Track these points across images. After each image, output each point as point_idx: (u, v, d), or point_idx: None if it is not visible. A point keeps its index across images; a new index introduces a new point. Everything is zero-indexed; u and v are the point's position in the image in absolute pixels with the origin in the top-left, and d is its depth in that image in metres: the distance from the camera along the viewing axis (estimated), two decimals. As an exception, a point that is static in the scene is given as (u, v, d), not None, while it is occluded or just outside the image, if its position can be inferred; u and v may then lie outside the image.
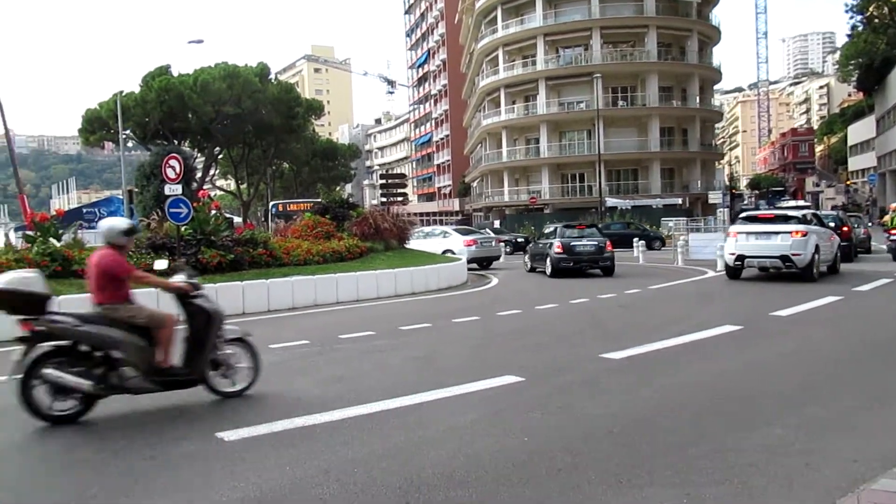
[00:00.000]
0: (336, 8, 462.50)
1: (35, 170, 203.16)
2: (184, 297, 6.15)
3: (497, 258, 25.75)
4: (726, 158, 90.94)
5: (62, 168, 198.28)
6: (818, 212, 21.89)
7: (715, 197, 46.68)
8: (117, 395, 5.57)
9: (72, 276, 11.70)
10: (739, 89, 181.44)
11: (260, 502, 3.78)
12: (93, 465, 4.42)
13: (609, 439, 4.68)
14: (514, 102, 58.13)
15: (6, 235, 16.68)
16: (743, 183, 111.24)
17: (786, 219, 15.81)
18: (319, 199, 24.94)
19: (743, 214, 18.05)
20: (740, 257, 15.53)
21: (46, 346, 5.41)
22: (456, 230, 26.96)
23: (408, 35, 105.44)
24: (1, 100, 37.46)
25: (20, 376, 5.25)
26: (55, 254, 11.64)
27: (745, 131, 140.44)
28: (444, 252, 22.15)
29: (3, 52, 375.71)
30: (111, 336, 5.53)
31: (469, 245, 23.83)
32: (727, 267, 16.34)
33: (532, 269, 21.61)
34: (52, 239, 12.14)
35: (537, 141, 56.51)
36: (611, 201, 49.23)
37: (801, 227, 14.98)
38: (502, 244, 29.46)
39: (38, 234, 12.29)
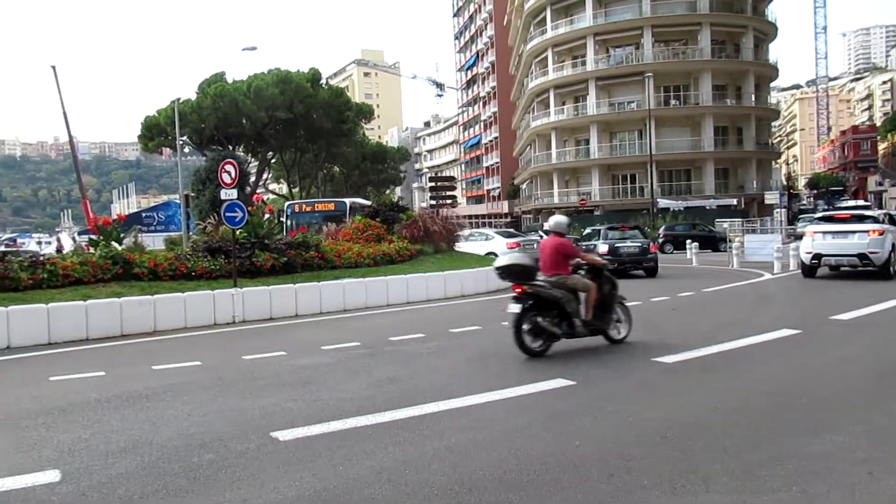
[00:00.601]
0: (386, 12, 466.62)
1: (97, 175, 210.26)
2: (597, 270, 8.40)
3: (538, 259, 25.53)
4: (783, 157, 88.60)
5: (122, 173, 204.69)
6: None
7: (771, 197, 45.51)
8: (567, 339, 7.94)
9: (133, 278, 12.11)
10: (797, 86, 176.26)
11: (314, 501, 3.84)
12: (147, 468, 4.55)
13: (663, 444, 4.61)
14: (563, 103, 57.73)
15: (72, 239, 17.33)
16: (801, 182, 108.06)
17: (862, 218, 16.25)
18: (342, 199, 24.04)
19: (819, 214, 18.46)
20: (817, 256, 15.86)
21: (516, 306, 7.75)
22: (498, 233, 26.99)
23: (456, 38, 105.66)
24: (66, 108, 38.87)
25: (514, 323, 7.68)
26: (117, 257, 12.05)
27: (803, 129, 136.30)
28: (487, 254, 22.13)
29: (68, 63, 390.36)
30: (566, 296, 7.88)
31: (512, 248, 23.82)
32: (803, 266, 16.64)
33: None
34: (114, 242, 12.56)
35: (587, 142, 55.98)
36: (663, 202, 48.42)
37: (877, 226, 15.32)
38: None
39: (102, 237, 12.73)
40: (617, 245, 19.74)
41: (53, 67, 38.17)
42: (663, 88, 52.88)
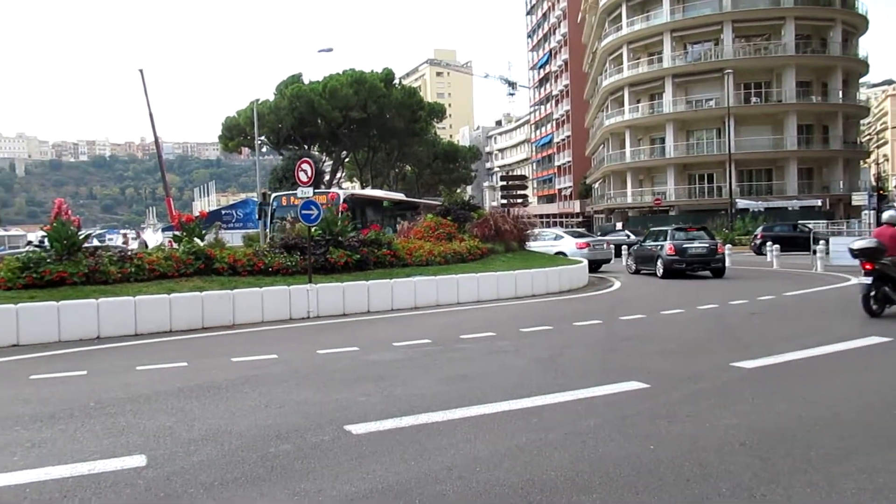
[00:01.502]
0: (459, 12, 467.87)
1: (180, 174, 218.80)
2: None
3: (608, 261, 25.53)
4: (873, 157, 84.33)
5: (203, 172, 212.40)
6: None
7: (859, 198, 43.34)
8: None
9: (213, 273, 12.54)
10: (889, 82, 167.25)
11: (386, 494, 3.89)
12: (227, 456, 4.70)
13: (742, 451, 4.47)
14: (638, 101, 56.62)
15: (163, 234, 18.17)
16: (892, 183, 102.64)
17: None
18: (335, 191, 22.23)
19: None
20: None
21: (867, 279, 10.42)
22: (567, 232, 26.77)
23: (529, 36, 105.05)
24: (152, 110, 40.57)
25: (864, 291, 10.46)
26: (199, 252, 12.50)
27: (895, 127, 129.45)
28: (556, 254, 21.96)
29: (154, 66, 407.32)
30: None
31: (581, 248, 23.70)
32: None
33: (636, 272, 22.06)
34: (196, 239, 13.03)
35: (663, 140, 54.73)
36: (742, 203, 46.87)
37: None
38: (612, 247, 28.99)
39: (185, 234, 13.23)
40: (685, 246, 19.78)
41: (141, 71, 39.92)
42: (743, 85, 51.17)
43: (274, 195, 23.05)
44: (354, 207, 21.47)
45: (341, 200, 20.87)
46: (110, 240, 41.21)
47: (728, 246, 27.84)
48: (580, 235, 26.64)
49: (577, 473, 4.13)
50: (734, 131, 46.87)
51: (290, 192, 23.66)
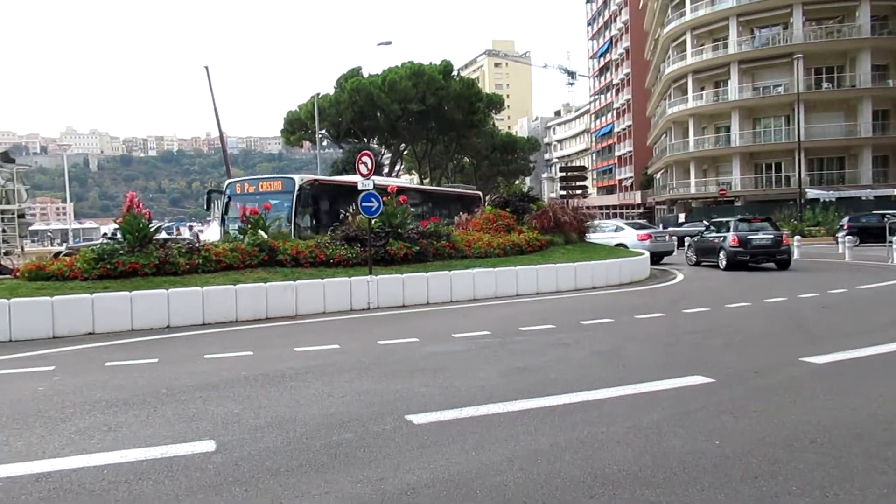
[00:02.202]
0: (518, 1, 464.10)
1: (243, 168, 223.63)
2: None
3: (670, 252, 25.21)
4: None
5: (266, 166, 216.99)
6: None
7: (940, 187, 41.28)
8: None
9: (277, 264, 12.81)
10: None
11: (447, 485, 3.91)
12: (292, 443, 4.81)
13: (813, 449, 4.33)
14: (702, 89, 55.15)
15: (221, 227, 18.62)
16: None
17: None
18: (290, 176, 19.14)
19: None
20: None
21: None
22: (628, 224, 26.44)
23: (589, 24, 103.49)
24: (217, 106, 41.60)
25: None
26: (263, 244, 12.79)
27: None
28: (616, 246, 21.65)
29: (219, 64, 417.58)
30: None
31: (643, 239, 23.37)
32: None
33: (697, 263, 21.78)
34: (260, 231, 13.33)
35: (728, 129, 53.19)
36: (812, 192, 45.19)
37: None
38: (675, 239, 28.77)
39: (249, 226, 13.55)
40: (749, 237, 19.49)
41: (206, 68, 40.98)
42: (814, 70, 49.23)
43: (228, 181, 20.16)
44: (316, 197, 18.98)
45: (296, 187, 17.89)
46: (179, 233, 42.60)
47: (797, 237, 27.01)
48: (641, 227, 26.34)
49: (640, 468, 4.07)
50: (804, 118, 45.20)
51: (248, 178, 21.16)
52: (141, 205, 12.11)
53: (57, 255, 20.41)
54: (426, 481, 3.96)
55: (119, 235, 12.66)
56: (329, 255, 13.34)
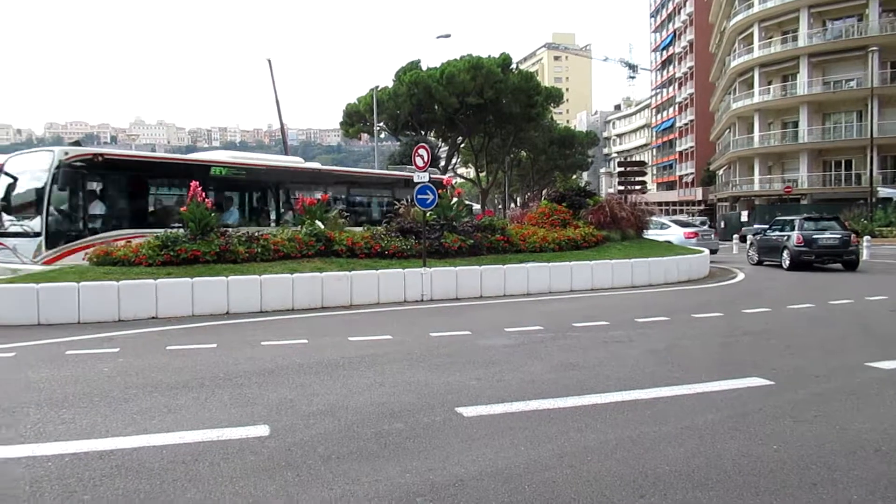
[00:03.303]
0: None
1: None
2: None
3: (715, 251, 24.73)
4: None
5: (325, 158, 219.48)
6: None
7: None
8: None
9: (333, 255, 13.00)
10: None
11: (495, 478, 3.91)
12: (343, 431, 4.88)
13: (877, 458, 4.17)
14: (769, 83, 53.44)
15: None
16: None
17: None
18: (49, 149, 14.38)
19: None
20: None
21: None
22: (674, 221, 26.11)
23: (652, 16, 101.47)
24: (279, 98, 42.35)
25: None
26: (320, 235, 13.00)
27: None
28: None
29: (280, 57, 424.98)
30: None
31: (689, 237, 23.01)
32: None
33: (759, 262, 21.39)
34: (317, 221, 13.54)
35: (795, 124, 51.43)
36: (884, 191, 43.34)
37: None
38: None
39: (307, 216, 13.78)
40: (815, 236, 19.04)
41: (269, 61, 41.75)
42: (890, 64, 47.12)
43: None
44: (98, 179, 14.27)
45: (52, 164, 13.08)
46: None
47: (867, 238, 26.02)
48: (687, 225, 26.28)
49: (693, 469, 3.99)
50: (878, 114, 43.38)
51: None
52: (203, 194, 12.42)
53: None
54: (474, 474, 3.96)
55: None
56: (384, 246, 13.46)
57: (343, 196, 19.95)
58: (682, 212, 68.54)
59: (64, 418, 5.12)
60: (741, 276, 17.65)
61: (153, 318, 10.57)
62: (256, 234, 12.93)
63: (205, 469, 4.05)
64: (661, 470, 3.99)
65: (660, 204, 72.36)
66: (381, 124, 49.75)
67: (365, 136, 62.26)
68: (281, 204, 18.33)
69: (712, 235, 26.07)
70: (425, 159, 13.61)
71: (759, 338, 8.53)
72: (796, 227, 19.47)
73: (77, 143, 23.23)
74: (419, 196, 13.29)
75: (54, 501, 3.61)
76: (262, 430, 4.76)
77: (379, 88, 47.75)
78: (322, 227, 13.36)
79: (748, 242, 23.58)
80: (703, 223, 38.67)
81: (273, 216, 17.98)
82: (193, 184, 12.41)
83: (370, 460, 4.20)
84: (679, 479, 3.86)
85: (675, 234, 23.40)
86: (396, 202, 19.12)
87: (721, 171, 68.60)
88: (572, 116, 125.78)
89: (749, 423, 4.88)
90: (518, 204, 70.10)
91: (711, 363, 7.03)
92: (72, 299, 10.27)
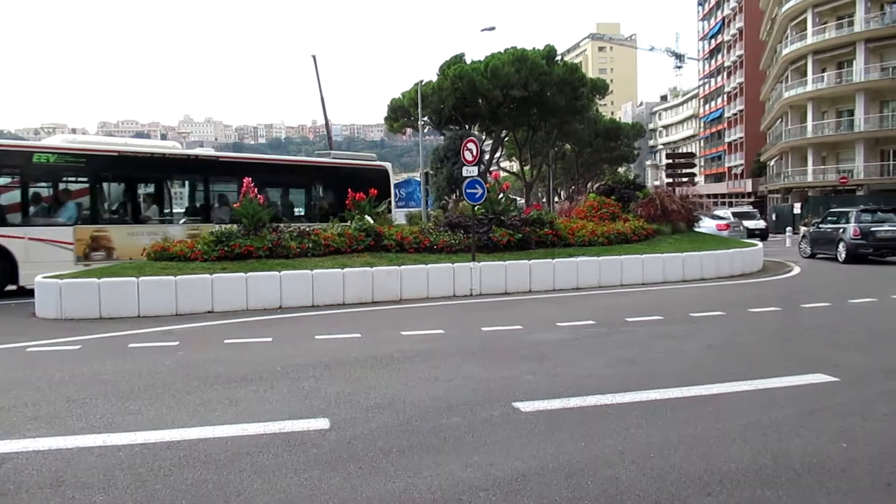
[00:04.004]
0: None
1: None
2: None
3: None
4: None
5: (368, 153, 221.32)
6: None
7: None
8: None
9: (382, 249, 13.08)
10: None
11: (557, 473, 3.89)
12: (402, 424, 4.91)
13: (954, 458, 4.03)
14: (823, 70, 51.84)
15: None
16: None
17: None
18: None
19: None
20: None
21: None
22: (705, 214, 25.92)
23: (700, 4, 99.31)
24: (323, 94, 42.77)
25: None
26: (369, 229, 13.09)
27: None
28: None
29: (324, 53, 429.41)
30: None
31: (721, 229, 22.66)
32: None
33: (811, 255, 21.12)
34: (366, 216, 13.64)
35: (851, 113, 49.80)
36: (946, 181, 41.75)
37: None
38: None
39: (356, 211, 13.89)
40: (873, 229, 18.60)
41: (314, 57, 42.18)
42: (952, 48, 45.29)
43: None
44: None
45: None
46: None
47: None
48: (718, 217, 26.16)
49: (760, 467, 3.91)
50: (939, 101, 41.77)
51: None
52: (256, 189, 12.62)
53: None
54: (536, 469, 3.95)
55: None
56: (433, 240, 13.50)
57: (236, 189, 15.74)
58: (731, 204, 67.00)
59: (131, 409, 5.27)
60: (796, 269, 17.20)
61: (209, 311, 10.80)
62: (308, 229, 13.08)
63: (269, 461, 4.12)
64: (726, 468, 3.92)
65: (708, 196, 70.90)
66: (425, 119, 49.81)
67: (409, 130, 62.51)
68: (145, 197, 15.96)
69: (740, 227, 26.12)
70: (474, 153, 13.59)
71: (820, 333, 8.31)
72: (853, 220, 19.11)
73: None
74: (468, 190, 13.28)
75: (127, 490, 3.72)
76: (322, 423, 4.82)
77: (423, 83, 47.81)
78: (371, 221, 13.46)
79: (801, 235, 23.12)
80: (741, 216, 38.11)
81: (136, 212, 15.53)
82: (246, 180, 12.60)
83: (430, 454, 4.22)
84: (746, 476, 3.79)
85: (707, 226, 23.22)
86: (324, 198, 17.95)
87: (772, 162, 66.91)
88: (617, 108, 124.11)
89: (815, 420, 4.76)
90: (562, 197, 69.56)
91: (772, 359, 6.87)
92: (132, 294, 10.55)
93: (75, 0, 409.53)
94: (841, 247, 19.16)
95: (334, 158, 19.50)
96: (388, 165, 19.87)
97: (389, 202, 17.31)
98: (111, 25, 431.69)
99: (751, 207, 33.36)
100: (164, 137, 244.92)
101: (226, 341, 8.27)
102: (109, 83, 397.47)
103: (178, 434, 4.65)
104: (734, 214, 28.85)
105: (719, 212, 30.48)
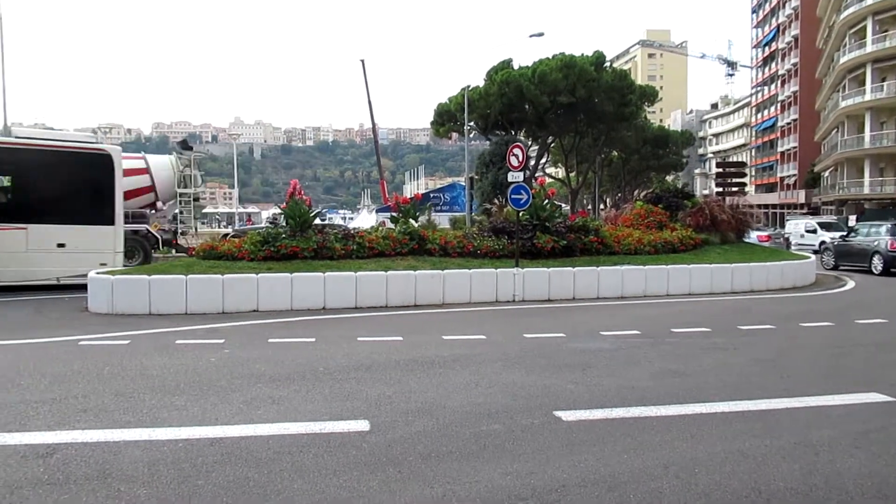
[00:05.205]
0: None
1: (392, 158, 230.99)
2: None
3: None
4: None
5: (413, 157, 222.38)
6: None
7: None
8: None
9: (425, 253, 13.10)
10: None
11: (598, 486, 3.81)
12: (442, 429, 4.89)
13: None
14: (883, 79, 50.24)
15: (376, 215, 19.38)
16: None
17: None
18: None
19: None
20: None
21: None
22: (793, 218, 25.41)
23: (754, 11, 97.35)
24: (371, 98, 43.17)
25: None
26: (413, 233, 13.14)
27: None
28: None
29: (372, 57, 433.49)
30: None
31: (763, 240, 22.19)
32: None
33: (835, 267, 20.93)
34: (411, 220, 13.69)
35: (912, 124, 48.17)
36: None
37: None
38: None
39: (401, 215, 13.95)
40: None
41: (362, 62, 42.73)
42: None
43: None
44: None
45: None
46: (330, 219, 44.78)
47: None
48: (760, 229, 25.78)
49: (810, 488, 3.78)
50: None
51: None
52: (303, 192, 12.78)
53: (225, 236, 22.08)
54: (577, 480, 3.88)
55: (281, 220, 13.42)
56: (476, 245, 13.46)
57: None
58: (783, 216, 65.42)
59: (176, 405, 5.36)
60: (851, 283, 16.68)
61: (254, 311, 10.95)
62: (352, 231, 13.19)
63: (309, 461, 4.14)
64: (775, 486, 3.79)
65: (759, 206, 69.35)
66: (472, 123, 49.83)
67: (454, 135, 62.56)
68: None
69: (780, 239, 25.46)
70: (520, 159, 13.53)
71: (876, 350, 8.02)
72: (888, 232, 19.11)
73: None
74: (513, 196, 13.22)
75: (171, 484, 3.77)
76: (362, 425, 4.83)
77: (470, 88, 47.86)
78: (416, 225, 13.50)
79: (822, 247, 22.78)
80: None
81: None
82: (293, 182, 12.77)
83: (470, 460, 4.19)
84: (795, 497, 3.67)
85: (795, 231, 23.02)
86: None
87: (826, 173, 65.09)
88: (666, 115, 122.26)
89: (871, 441, 4.58)
90: (608, 205, 68.82)
91: (824, 376, 6.66)
92: (180, 291, 10.77)
93: (132, 4, 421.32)
94: (876, 259, 19.09)
95: (18, 137, 14.90)
96: (113, 150, 15.38)
97: (113, 203, 14.55)
98: (169, 29, 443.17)
99: (835, 218, 32.83)
100: (214, 139, 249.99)
101: (270, 340, 8.37)
102: (164, 85, 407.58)
103: (221, 431, 4.71)
104: (820, 224, 28.06)
105: (800, 222, 29.76)
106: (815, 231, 24.62)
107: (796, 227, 28.58)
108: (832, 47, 59.93)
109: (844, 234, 22.64)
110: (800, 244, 27.78)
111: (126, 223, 18.67)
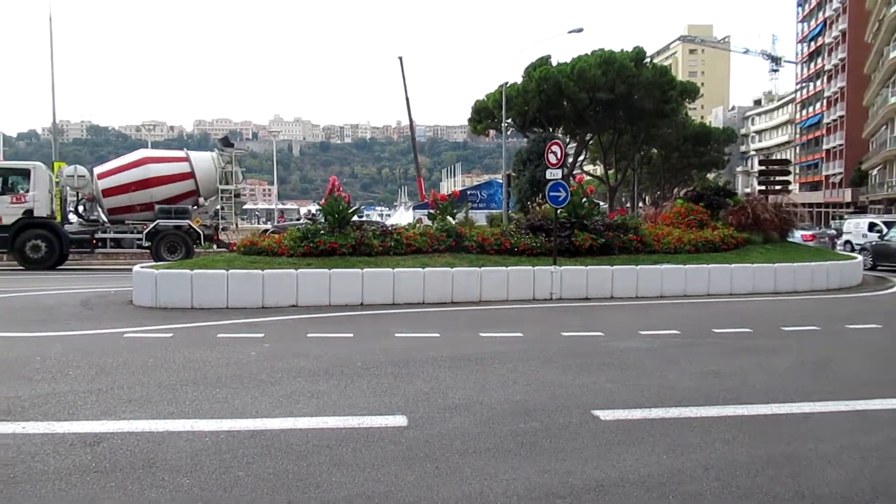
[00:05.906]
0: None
1: (429, 156, 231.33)
2: None
3: None
4: None
5: (450, 154, 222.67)
6: None
7: None
8: None
9: (462, 250, 13.11)
10: None
11: (637, 486, 3.78)
12: (479, 426, 4.89)
13: None
14: (934, 75, 48.74)
15: (413, 212, 19.46)
16: None
17: None
18: None
19: None
20: None
21: None
22: (849, 217, 24.76)
23: (800, 5, 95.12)
24: (409, 96, 43.30)
25: None
26: (451, 230, 13.16)
27: None
28: None
29: (410, 55, 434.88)
30: None
31: (807, 240, 21.72)
32: None
33: (873, 268, 20.60)
34: (448, 217, 13.71)
35: (965, 120, 46.63)
36: None
37: None
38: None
39: (438, 212, 13.98)
40: None
41: (400, 59, 42.87)
42: None
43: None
44: None
45: None
46: (368, 216, 45.08)
47: None
48: (805, 228, 25.24)
49: (857, 493, 3.70)
50: None
51: None
52: (342, 188, 12.89)
53: (264, 232, 22.40)
54: (615, 480, 3.86)
55: (319, 216, 13.56)
56: (514, 243, 13.42)
57: None
58: (829, 215, 63.86)
59: (218, 397, 5.47)
60: (899, 285, 16.25)
61: (293, 306, 11.09)
62: (390, 228, 13.26)
63: (348, 455, 4.19)
64: (819, 491, 3.72)
65: (802, 205, 67.81)
66: (509, 120, 49.64)
67: (491, 132, 62.45)
68: None
69: (826, 239, 25.37)
70: (558, 156, 13.45)
71: (925, 354, 7.81)
72: None
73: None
74: (551, 193, 13.14)
75: (213, 475, 3.85)
76: (400, 421, 4.86)
77: (507, 85, 47.69)
78: (453, 222, 13.52)
79: (859, 248, 22.13)
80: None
81: None
82: (332, 178, 12.89)
83: (507, 458, 4.19)
84: (840, 502, 3.59)
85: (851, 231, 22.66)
86: None
87: (874, 171, 63.36)
88: (707, 112, 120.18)
89: (920, 447, 4.46)
90: (647, 203, 67.95)
91: (871, 379, 6.49)
92: (221, 286, 10.96)
93: (177, 4, 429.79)
94: None
95: None
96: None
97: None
98: (211, 29, 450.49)
99: (876, 216, 31.86)
100: (255, 136, 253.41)
101: (309, 335, 8.47)
102: (206, 84, 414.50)
103: (261, 423, 4.79)
104: (885, 224, 27.04)
105: (861, 220, 28.78)
106: (881, 230, 23.75)
107: (857, 226, 27.43)
108: (882, 42, 58.25)
109: (883, 233, 22.11)
110: (861, 245, 26.54)
111: (169, 219, 19.35)
